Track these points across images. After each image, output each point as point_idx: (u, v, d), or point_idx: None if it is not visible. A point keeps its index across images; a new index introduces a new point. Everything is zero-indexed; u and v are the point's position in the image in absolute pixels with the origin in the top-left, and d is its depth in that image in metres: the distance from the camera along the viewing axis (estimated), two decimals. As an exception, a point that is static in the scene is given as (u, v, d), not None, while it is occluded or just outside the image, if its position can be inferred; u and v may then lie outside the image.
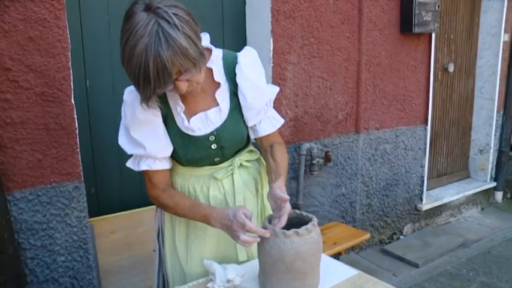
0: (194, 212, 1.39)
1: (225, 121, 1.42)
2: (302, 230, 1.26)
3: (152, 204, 1.56)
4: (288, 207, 1.31)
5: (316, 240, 1.29)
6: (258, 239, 1.29)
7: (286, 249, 1.25)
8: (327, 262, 1.49)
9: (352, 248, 3.69)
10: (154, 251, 1.63)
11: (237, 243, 1.34)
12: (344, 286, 1.38)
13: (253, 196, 1.56)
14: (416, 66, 3.79)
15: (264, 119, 1.50)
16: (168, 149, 1.41)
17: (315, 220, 1.32)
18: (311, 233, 1.28)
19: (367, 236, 3.05)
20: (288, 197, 1.30)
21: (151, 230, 1.66)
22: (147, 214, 2.45)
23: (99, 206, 2.53)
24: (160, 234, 1.59)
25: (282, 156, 1.48)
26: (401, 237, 4.05)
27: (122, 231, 2.45)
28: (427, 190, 4.24)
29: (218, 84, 1.41)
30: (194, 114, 1.40)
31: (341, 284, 1.39)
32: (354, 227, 3.52)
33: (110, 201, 2.58)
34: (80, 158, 2.18)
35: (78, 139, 2.16)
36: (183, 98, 1.38)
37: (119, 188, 2.60)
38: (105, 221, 2.41)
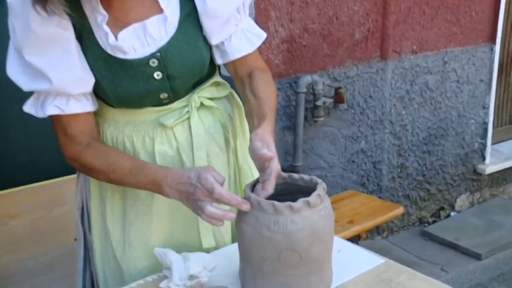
0: (138, 176, 1.39)
1: (173, 36, 1.42)
2: (313, 198, 1.26)
3: (75, 172, 1.56)
4: (274, 168, 1.30)
5: (330, 211, 1.31)
6: (231, 215, 1.30)
7: (298, 230, 1.24)
8: (338, 246, 1.49)
9: (378, 230, 3.75)
10: (75, 240, 1.63)
11: (201, 220, 1.35)
12: (365, 280, 1.40)
13: (221, 151, 1.57)
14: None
15: (236, 32, 1.50)
16: (88, 80, 1.39)
17: (321, 182, 1.32)
18: (324, 201, 1.29)
19: (400, 211, 3.09)
20: (271, 154, 1.29)
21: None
22: (68, 186, 2.43)
23: (-8, 177, 2.52)
24: (85, 213, 1.59)
25: (266, 89, 1.48)
26: (452, 214, 4.13)
27: (28, 214, 2.44)
28: (492, 144, 4.28)
29: None
30: (125, 27, 1.38)
31: (360, 278, 1.40)
32: (380, 198, 3.57)
33: (9, 170, 2.56)
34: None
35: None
36: (107, 2, 1.35)
37: (24, 149, 2.60)
38: (2, 199, 2.38)
